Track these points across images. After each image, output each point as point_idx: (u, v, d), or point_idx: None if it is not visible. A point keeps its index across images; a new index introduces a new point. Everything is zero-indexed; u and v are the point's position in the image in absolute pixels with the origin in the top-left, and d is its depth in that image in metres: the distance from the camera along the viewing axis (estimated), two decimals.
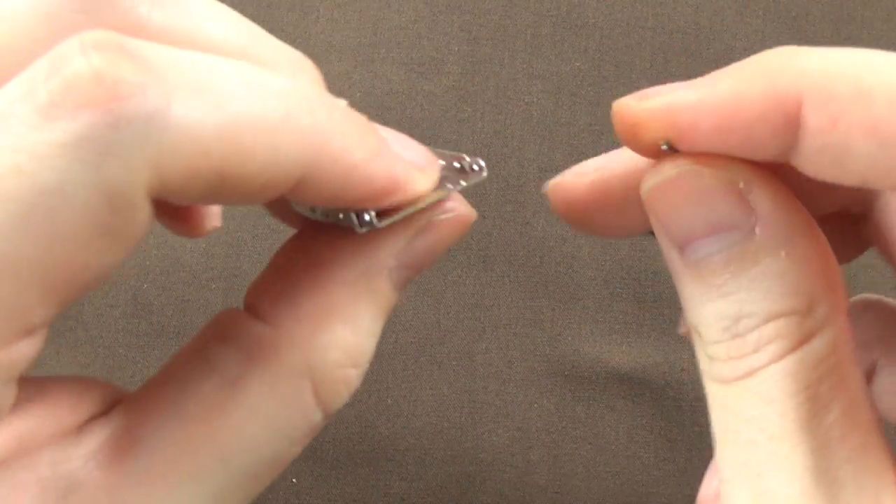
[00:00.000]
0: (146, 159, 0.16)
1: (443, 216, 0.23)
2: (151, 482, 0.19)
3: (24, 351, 0.17)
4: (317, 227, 0.23)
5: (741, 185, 0.21)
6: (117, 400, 0.21)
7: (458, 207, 0.23)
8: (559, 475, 0.40)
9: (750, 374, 0.21)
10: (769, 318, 0.21)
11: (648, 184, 0.22)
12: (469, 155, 0.24)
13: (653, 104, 0.21)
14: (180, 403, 0.20)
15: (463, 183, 0.24)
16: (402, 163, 0.21)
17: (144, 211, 0.17)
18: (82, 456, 0.19)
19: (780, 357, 0.21)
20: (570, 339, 0.41)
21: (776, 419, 0.20)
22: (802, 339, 0.21)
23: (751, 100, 0.20)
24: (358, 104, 0.31)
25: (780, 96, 0.20)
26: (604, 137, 0.45)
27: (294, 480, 0.39)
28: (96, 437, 0.19)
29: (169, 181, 0.17)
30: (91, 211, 0.16)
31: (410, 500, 0.39)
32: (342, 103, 0.21)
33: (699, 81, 0.21)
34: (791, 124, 0.20)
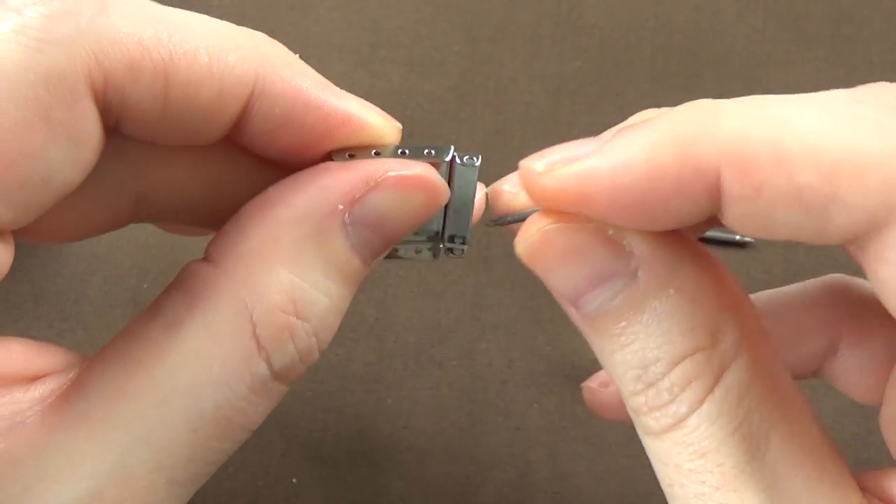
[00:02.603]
0: (85, 48, 0.17)
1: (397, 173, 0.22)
2: (89, 424, 0.19)
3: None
4: (280, 171, 0.22)
5: (610, 232, 0.20)
6: (78, 363, 0.21)
7: (417, 168, 0.22)
8: (559, 475, 0.40)
9: (675, 425, 0.20)
10: (675, 362, 0.19)
11: (521, 247, 0.22)
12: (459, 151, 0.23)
13: (562, 176, 0.20)
14: (125, 350, 0.20)
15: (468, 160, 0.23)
16: (353, 98, 0.22)
17: (87, 105, 0.18)
18: (29, 400, 0.19)
19: (700, 402, 0.19)
20: (569, 339, 0.41)
21: (715, 470, 0.19)
22: (717, 375, 0.19)
23: (667, 174, 0.19)
24: None
25: (697, 168, 0.19)
26: None
27: (294, 480, 0.39)
28: (46, 387, 0.20)
29: (111, 74, 0.18)
30: (29, 90, 0.17)
31: (410, 500, 0.39)
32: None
33: (607, 145, 0.19)
34: (711, 194, 0.19)
